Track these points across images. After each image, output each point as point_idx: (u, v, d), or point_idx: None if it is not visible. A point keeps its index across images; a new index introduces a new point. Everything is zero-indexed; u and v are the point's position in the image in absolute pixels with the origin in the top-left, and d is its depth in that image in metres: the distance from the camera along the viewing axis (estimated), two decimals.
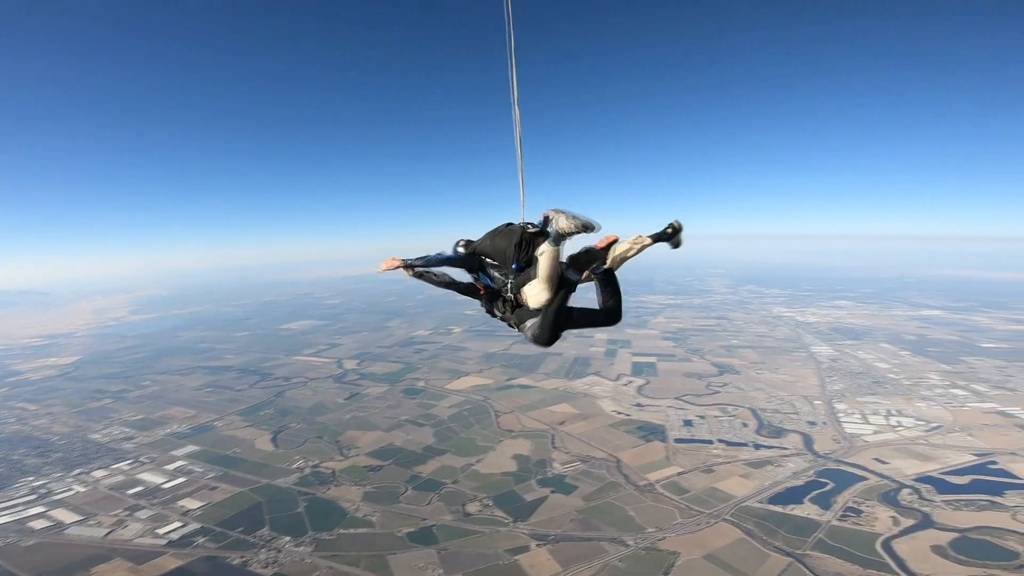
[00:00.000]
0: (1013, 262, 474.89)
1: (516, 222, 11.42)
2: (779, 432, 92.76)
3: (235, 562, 62.69)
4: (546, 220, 10.27)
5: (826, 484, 74.45)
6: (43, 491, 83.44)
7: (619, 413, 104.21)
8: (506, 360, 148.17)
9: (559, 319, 10.32)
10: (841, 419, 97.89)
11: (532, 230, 10.96)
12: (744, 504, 70.20)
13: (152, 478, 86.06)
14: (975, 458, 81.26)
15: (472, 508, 72.14)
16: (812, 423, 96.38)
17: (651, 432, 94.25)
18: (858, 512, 67.58)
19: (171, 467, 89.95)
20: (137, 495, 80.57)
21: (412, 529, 67.71)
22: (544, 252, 9.75)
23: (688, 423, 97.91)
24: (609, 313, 10.79)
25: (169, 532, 69.58)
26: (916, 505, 68.84)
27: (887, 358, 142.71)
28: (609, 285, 10.80)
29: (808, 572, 56.97)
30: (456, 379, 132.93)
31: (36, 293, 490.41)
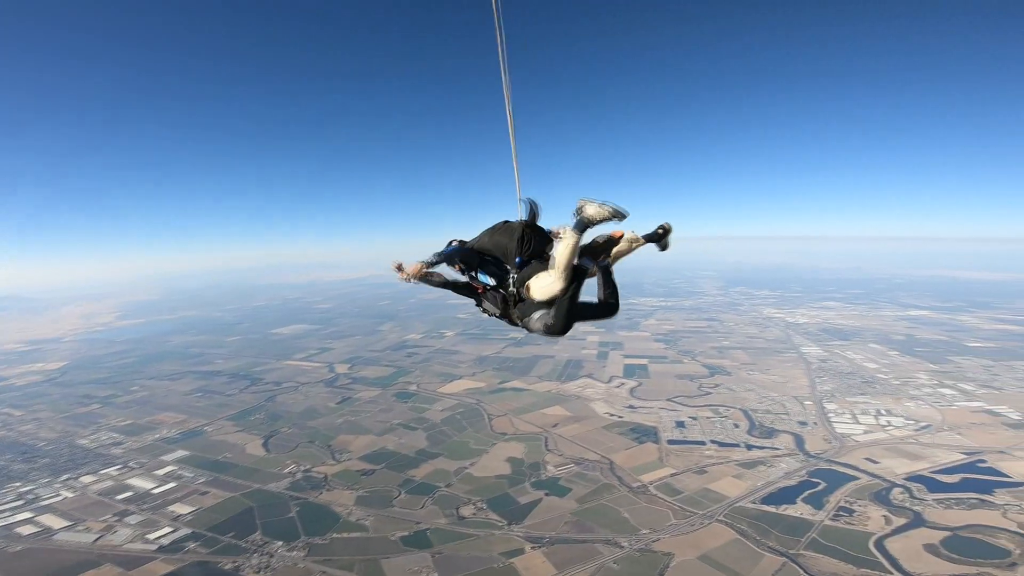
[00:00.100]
0: (998, 262, 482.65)
1: (512, 220, 11.45)
2: (771, 432, 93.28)
3: (227, 567, 62.04)
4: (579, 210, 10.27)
5: (818, 484, 74.91)
6: (30, 497, 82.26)
7: (612, 415, 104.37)
8: (499, 363, 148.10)
9: (574, 307, 10.38)
10: (831, 419, 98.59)
11: (530, 225, 11.06)
12: (737, 504, 70.47)
13: (141, 483, 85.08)
14: (964, 457, 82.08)
15: (466, 511, 71.90)
16: (803, 423, 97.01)
17: (644, 434, 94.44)
18: (850, 512, 68.01)
19: (161, 472, 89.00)
20: (126, 500, 79.66)
21: (406, 533, 67.35)
22: (566, 240, 9.78)
23: (680, 424, 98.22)
24: (609, 306, 10.97)
25: (159, 537, 68.79)
26: (907, 504, 69.39)
27: (876, 358, 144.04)
28: (608, 279, 10.96)
29: (802, 572, 57.23)
30: (449, 382, 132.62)
31: (20, 298, 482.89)
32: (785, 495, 72.40)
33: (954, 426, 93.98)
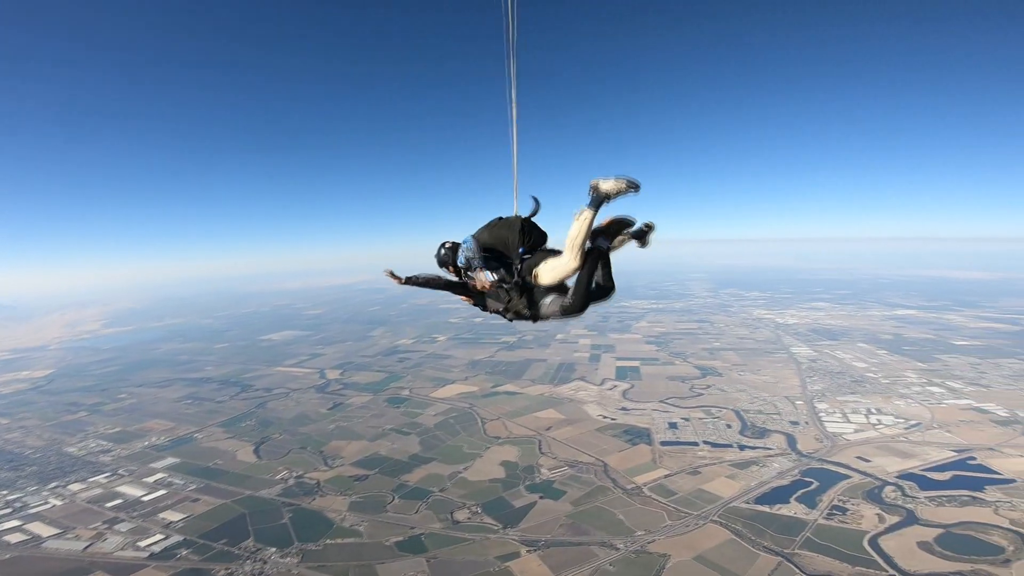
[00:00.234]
0: (983, 262, 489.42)
1: (506, 215, 11.55)
2: (763, 432, 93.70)
3: (220, 574, 61.24)
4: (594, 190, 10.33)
5: (811, 483, 75.25)
6: (18, 505, 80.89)
7: (605, 417, 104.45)
8: (491, 367, 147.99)
9: (591, 285, 10.58)
10: (823, 418, 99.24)
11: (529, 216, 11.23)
12: (731, 505, 70.64)
13: (131, 491, 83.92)
14: (955, 454, 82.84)
15: (461, 515, 71.55)
16: (795, 423, 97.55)
17: (637, 435, 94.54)
18: (844, 510, 68.35)
19: (151, 479, 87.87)
20: (116, 508, 78.53)
21: (400, 538, 66.91)
22: (582, 217, 9.85)
23: (673, 426, 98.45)
24: (607, 289, 11.16)
25: (151, 544, 67.83)
26: (900, 502, 69.80)
27: (865, 357, 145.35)
28: (607, 263, 11.13)
29: (798, 571, 57.43)
30: (441, 387, 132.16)
31: (2, 307, 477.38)
32: (778, 495, 72.67)
33: (943, 424, 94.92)
